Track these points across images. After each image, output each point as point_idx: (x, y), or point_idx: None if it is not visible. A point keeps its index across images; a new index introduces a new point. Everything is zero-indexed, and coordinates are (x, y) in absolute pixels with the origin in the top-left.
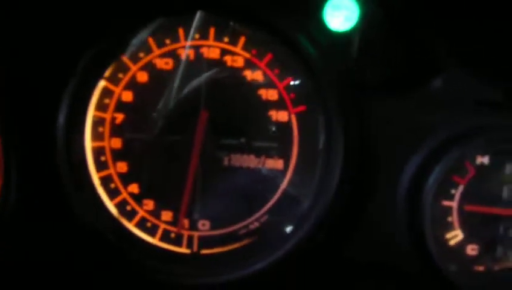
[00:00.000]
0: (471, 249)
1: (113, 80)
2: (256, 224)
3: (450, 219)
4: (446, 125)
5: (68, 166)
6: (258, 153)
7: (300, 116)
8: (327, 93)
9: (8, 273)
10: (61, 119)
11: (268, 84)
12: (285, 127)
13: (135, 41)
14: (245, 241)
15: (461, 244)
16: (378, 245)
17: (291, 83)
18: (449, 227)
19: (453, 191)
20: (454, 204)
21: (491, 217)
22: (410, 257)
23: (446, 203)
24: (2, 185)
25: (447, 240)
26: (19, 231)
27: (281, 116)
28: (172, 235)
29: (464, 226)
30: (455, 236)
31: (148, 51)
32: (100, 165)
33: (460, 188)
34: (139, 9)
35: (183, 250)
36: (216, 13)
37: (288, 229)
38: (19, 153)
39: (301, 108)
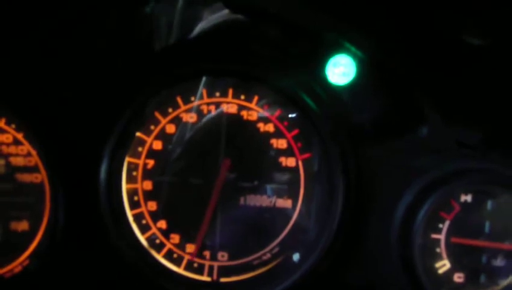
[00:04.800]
0: (458, 277)
1: (146, 131)
2: (269, 255)
3: (438, 250)
4: (433, 167)
5: (108, 205)
6: (270, 194)
7: (306, 162)
8: (328, 142)
9: None
10: (103, 166)
11: (279, 135)
12: (294, 171)
13: (166, 100)
14: (259, 271)
15: (449, 273)
16: (374, 273)
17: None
18: (437, 257)
19: (440, 226)
20: (441, 237)
21: (475, 249)
22: (403, 284)
23: (434, 236)
24: (49, 224)
25: (436, 269)
26: (64, 258)
27: (289, 162)
28: (195, 265)
29: (450, 257)
30: (443, 265)
31: (176, 106)
32: (133, 204)
33: (447, 222)
34: (168, 74)
35: (205, 278)
36: (225, 76)
37: (296, 257)
38: (66, 194)
39: (307, 155)
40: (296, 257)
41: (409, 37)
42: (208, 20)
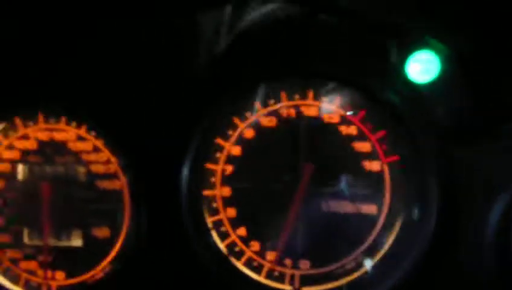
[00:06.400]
0: None
1: (224, 136)
2: (353, 264)
3: None
4: None
5: (189, 212)
6: (353, 199)
7: (391, 166)
8: (418, 142)
9: None
10: (184, 173)
11: (362, 138)
12: (378, 175)
13: (243, 103)
14: (342, 280)
15: None
16: (465, 283)
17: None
18: None
19: None
20: None
21: None
22: None
23: None
24: (129, 230)
25: None
26: (145, 265)
27: (374, 166)
28: (276, 273)
29: None
30: None
31: (254, 111)
32: (212, 211)
33: None
34: (247, 77)
35: (286, 287)
36: (311, 78)
37: (368, 264)
38: (146, 201)
39: (393, 158)
40: (368, 263)
41: (499, 30)
42: (264, 17)
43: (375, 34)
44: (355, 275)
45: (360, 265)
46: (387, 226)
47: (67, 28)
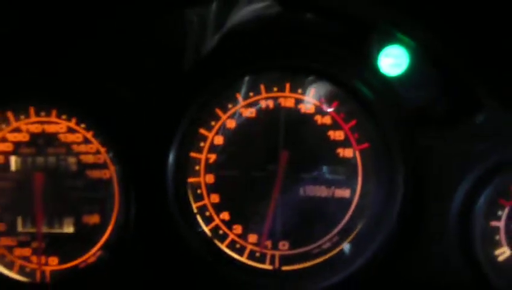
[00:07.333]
0: None
1: (207, 127)
2: (328, 244)
3: (497, 237)
4: (491, 154)
5: (175, 198)
6: (328, 184)
7: (363, 152)
8: (386, 131)
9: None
10: (171, 161)
11: (336, 127)
12: (351, 162)
13: (226, 96)
14: (319, 259)
15: (509, 260)
16: (432, 262)
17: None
18: (497, 244)
19: (499, 213)
20: (501, 224)
21: None
22: (463, 273)
23: (494, 223)
24: (119, 217)
25: (496, 257)
26: (137, 248)
27: (347, 153)
28: (258, 254)
29: (510, 243)
30: (503, 253)
31: (236, 102)
32: (197, 197)
33: (507, 209)
34: (230, 71)
35: (267, 267)
36: (288, 71)
37: (346, 248)
38: (135, 189)
39: (364, 145)
40: (346, 247)
41: (465, 25)
42: (246, 15)
43: (349, 30)
44: (332, 254)
45: (335, 245)
46: (360, 209)
47: (57, 23)
